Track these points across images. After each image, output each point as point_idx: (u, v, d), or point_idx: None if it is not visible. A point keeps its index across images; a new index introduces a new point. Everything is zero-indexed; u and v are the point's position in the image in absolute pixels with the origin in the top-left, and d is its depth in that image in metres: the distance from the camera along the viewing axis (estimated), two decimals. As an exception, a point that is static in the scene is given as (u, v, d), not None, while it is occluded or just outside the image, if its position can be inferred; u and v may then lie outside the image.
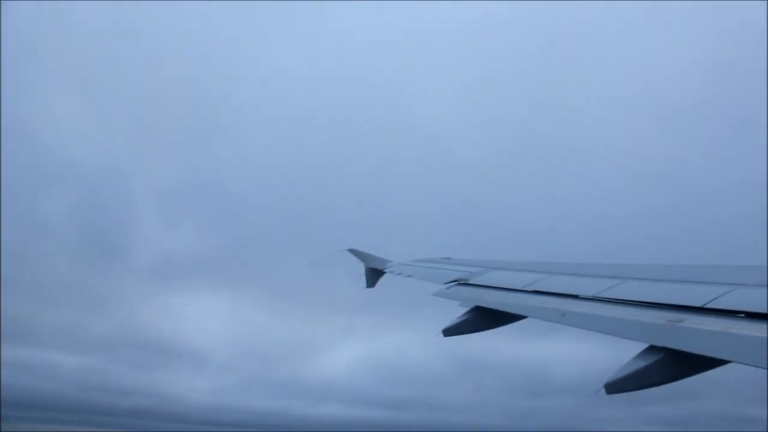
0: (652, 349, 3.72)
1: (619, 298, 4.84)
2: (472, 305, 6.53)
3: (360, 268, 11.32)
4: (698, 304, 3.90)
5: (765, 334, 3.16)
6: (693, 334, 3.58)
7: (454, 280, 7.69)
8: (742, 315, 3.52)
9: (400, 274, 9.91)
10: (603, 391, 3.64)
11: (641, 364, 3.64)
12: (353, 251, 11.80)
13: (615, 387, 3.61)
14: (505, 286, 6.71)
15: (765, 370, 2.93)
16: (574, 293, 5.38)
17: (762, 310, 3.44)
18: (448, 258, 9.59)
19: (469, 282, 7.48)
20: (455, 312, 6.66)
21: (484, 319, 6.31)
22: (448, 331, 6.47)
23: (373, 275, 10.94)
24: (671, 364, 3.56)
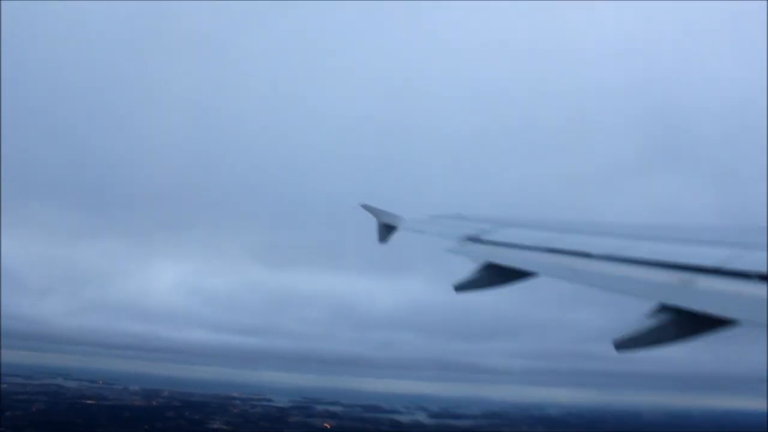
0: (662, 308, 3.74)
1: (632, 257, 4.85)
2: (484, 262, 6.56)
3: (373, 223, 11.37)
4: (711, 265, 3.90)
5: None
6: (704, 295, 3.59)
7: (467, 237, 7.72)
8: (756, 277, 3.53)
9: (412, 229, 9.95)
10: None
11: (651, 323, 3.67)
12: (366, 206, 11.83)
13: (624, 345, 3.65)
14: (518, 243, 6.73)
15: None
16: (587, 252, 5.39)
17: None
18: (461, 214, 9.60)
19: (482, 239, 7.50)
20: (467, 268, 6.71)
21: (496, 275, 6.35)
22: (460, 287, 6.52)
23: (386, 231, 10.98)
24: (681, 324, 3.59)
